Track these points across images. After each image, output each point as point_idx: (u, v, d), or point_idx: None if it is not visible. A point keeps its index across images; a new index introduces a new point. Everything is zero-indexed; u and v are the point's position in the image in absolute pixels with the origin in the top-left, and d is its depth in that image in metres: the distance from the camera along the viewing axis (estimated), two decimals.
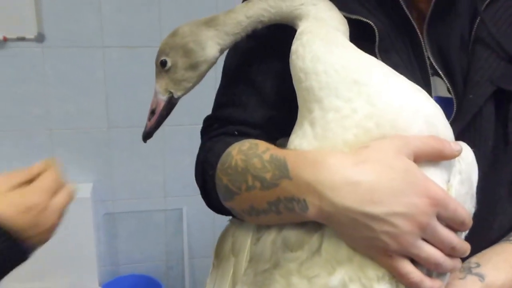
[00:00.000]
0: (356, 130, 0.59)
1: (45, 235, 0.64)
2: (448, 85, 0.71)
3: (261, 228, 0.70)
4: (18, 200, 0.61)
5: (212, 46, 0.72)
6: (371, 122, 0.59)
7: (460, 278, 0.67)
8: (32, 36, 1.88)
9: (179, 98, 0.76)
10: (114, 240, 2.24)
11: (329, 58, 0.62)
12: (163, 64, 0.73)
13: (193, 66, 0.73)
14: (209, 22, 0.72)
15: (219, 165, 0.69)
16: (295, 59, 0.65)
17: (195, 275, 2.37)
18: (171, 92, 0.75)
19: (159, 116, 0.75)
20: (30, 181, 0.66)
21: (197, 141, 2.48)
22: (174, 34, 0.73)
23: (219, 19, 0.72)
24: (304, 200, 0.59)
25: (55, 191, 0.66)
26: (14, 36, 1.86)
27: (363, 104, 0.59)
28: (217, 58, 0.74)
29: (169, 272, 2.35)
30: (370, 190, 0.56)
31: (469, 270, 0.67)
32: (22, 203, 0.61)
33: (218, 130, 0.78)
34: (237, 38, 0.73)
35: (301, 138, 0.63)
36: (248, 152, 0.65)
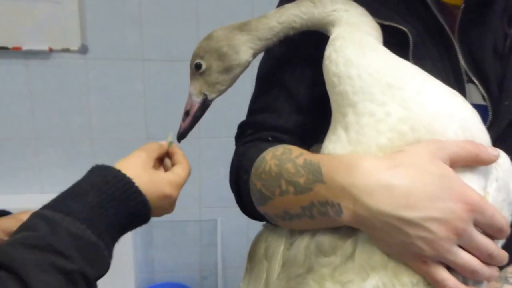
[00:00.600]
0: (391, 134, 0.58)
1: (159, 216, 0.71)
2: (483, 92, 0.69)
3: (294, 233, 0.70)
4: (161, 186, 0.67)
5: (245, 50, 0.72)
6: (405, 126, 0.58)
7: None
8: (76, 48, 1.92)
9: (212, 100, 0.76)
10: (151, 248, 2.26)
11: (362, 62, 0.62)
12: (197, 67, 0.73)
13: (226, 70, 0.73)
14: (242, 27, 0.72)
15: (253, 170, 0.69)
16: (328, 64, 0.64)
17: (228, 286, 2.36)
18: (205, 94, 0.75)
19: (193, 117, 0.76)
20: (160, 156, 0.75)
21: (231, 154, 2.46)
22: (208, 38, 0.73)
23: (252, 24, 0.72)
24: (338, 204, 0.58)
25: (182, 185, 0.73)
26: (59, 47, 1.90)
27: (397, 107, 0.58)
28: (249, 62, 0.74)
29: (203, 282, 2.34)
30: (405, 194, 0.54)
31: (505, 280, 0.66)
32: (163, 190, 0.67)
33: (252, 136, 0.78)
34: (269, 43, 0.73)
35: (335, 143, 0.63)
36: (282, 157, 0.65)
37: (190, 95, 0.76)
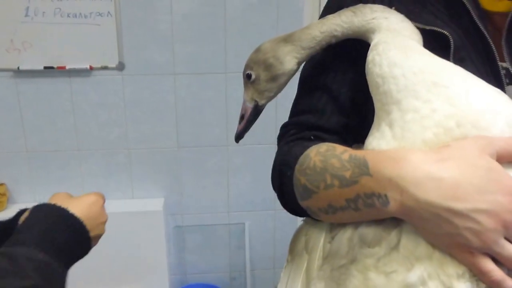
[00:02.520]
0: (436, 129, 0.57)
1: (101, 227, 0.78)
2: None
3: (335, 226, 0.69)
4: (82, 201, 0.77)
5: (290, 60, 0.74)
6: (451, 122, 0.56)
7: None
8: (113, 65, 1.97)
9: (263, 105, 0.79)
10: (183, 251, 2.27)
11: (406, 62, 0.60)
12: (248, 77, 0.76)
13: (273, 78, 0.75)
14: (287, 38, 0.74)
15: (297, 166, 0.68)
16: (372, 67, 0.63)
17: (256, 286, 2.36)
18: (256, 101, 0.78)
19: (247, 121, 0.79)
20: None
21: (258, 160, 2.50)
22: (257, 50, 0.76)
23: (296, 35, 0.73)
24: (385, 195, 0.56)
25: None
26: (98, 65, 1.95)
27: (443, 104, 0.57)
28: (295, 70, 0.76)
29: (232, 283, 2.35)
30: (453, 186, 0.53)
31: None
32: (85, 202, 0.77)
33: (295, 135, 0.78)
34: (312, 51, 0.74)
35: (379, 139, 0.61)
36: (326, 154, 0.64)
37: (244, 101, 0.79)
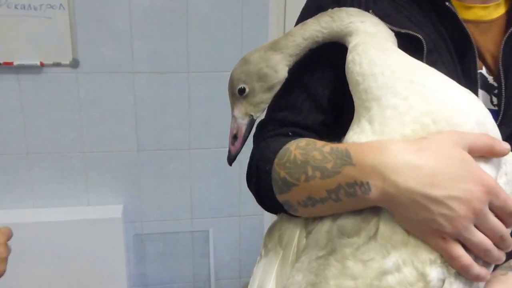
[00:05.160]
0: (413, 125, 0.63)
1: (1, 266, 0.76)
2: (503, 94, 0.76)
3: (310, 222, 0.73)
4: None
5: (282, 68, 0.77)
6: (427, 118, 0.63)
7: (502, 275, 0.68)
8: (67, 62, 1.94)
9: (257, 118, 0.81)
10: (143, 260, 2.26)
11: (384, 61, 0.67)
12: (241, 91, 0.77)
13: (269, 88, 0.78)
14: (274, 47, 0.78)
15: (276, 160, 0.72)
16: (352, 66, 0.69)
17: None
18: (251, 115, 0.80)
19: (243, 138, 0.80)
20: None
21: (222, 164, 2.47)
22: (245, 62, 0.78)
23: (281, 43, 0.77)
24: (368, 183, 0.61)
25: None
26: (50, 61, 1.92)
27: (419, 101, 0.63)
28: (285, 77, 0.79)
29: None
30: (430, 173, 0.59)
31: (510, 268, 0.69)
32: None
33: (272, 132, 0.82)
34: (298, 57, 0.79)
35: (359, 134, 0.66)
36: (307, 147, 0.68)
37: (235, 119, 0.80)
